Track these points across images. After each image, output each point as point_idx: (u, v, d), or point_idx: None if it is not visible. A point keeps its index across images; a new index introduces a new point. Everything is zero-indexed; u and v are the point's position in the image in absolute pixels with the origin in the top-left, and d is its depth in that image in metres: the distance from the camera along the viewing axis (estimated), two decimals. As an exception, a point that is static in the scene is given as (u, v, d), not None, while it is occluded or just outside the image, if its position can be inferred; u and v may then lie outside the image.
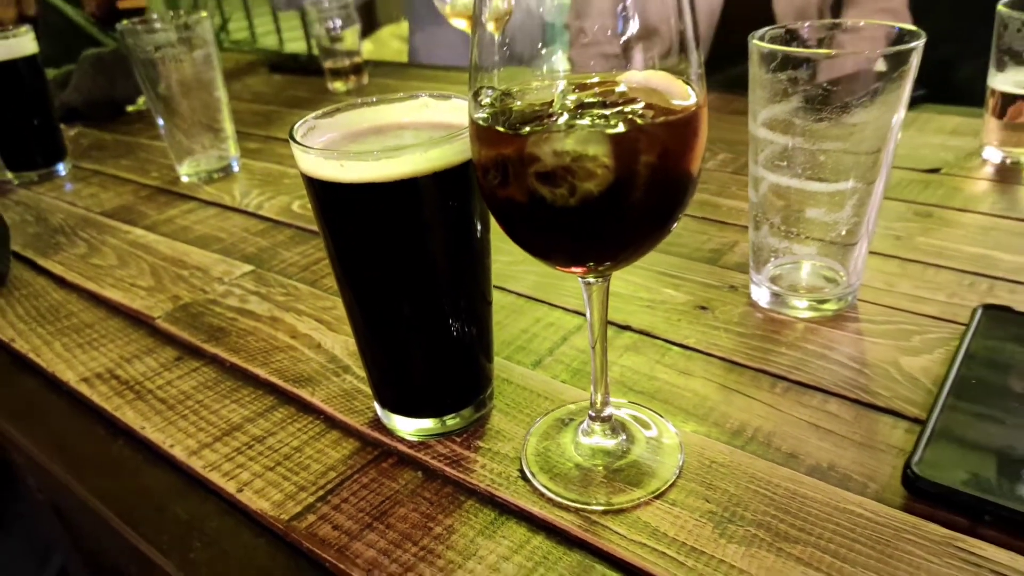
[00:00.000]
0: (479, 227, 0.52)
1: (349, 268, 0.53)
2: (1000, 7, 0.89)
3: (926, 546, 0.45)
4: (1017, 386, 0.55)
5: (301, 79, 1.75)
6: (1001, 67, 0.91)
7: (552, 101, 0.41)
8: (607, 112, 0.40)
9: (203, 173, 1.19)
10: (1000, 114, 0.93)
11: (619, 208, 0.40)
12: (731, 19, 1.50)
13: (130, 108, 1.60)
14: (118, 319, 0.80)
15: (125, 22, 1.13)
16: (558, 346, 0.68)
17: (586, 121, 0.39)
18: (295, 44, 3.83)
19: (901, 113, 0.60)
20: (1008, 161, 0.94)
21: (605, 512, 0.50)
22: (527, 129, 0.39)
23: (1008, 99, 0.91)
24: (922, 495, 0.48)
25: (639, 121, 0.38)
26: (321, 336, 0.73)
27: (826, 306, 0.68)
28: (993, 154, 0.95)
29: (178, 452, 0.59)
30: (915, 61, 0.58)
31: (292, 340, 0.73)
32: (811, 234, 0.66)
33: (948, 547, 0.45)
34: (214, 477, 0.56)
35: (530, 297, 0.76)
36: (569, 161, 0.38)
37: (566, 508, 0.51)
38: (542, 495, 0.52)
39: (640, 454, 0.54)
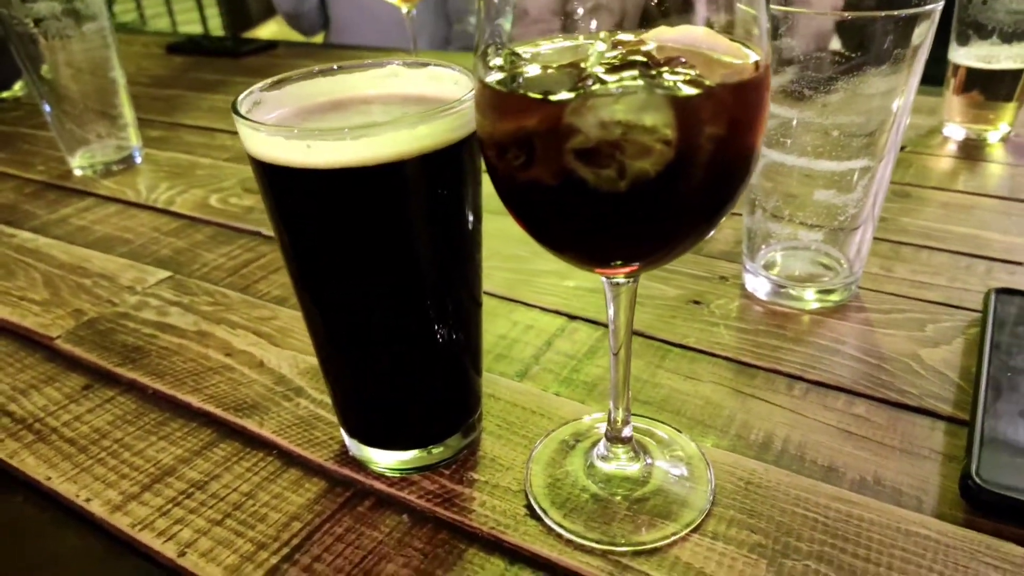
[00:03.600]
0: (471, 218, 0.43)
1: (313, 272, 0.43)
2: (963, -22, 0.86)
3: (1009, 570, 0.40)
4: (1054, 377, 0.51)
5: (205, 60, 1.59)
6: (964, 41, 0.88)
7: (579, 61, 0.33)
8: (653, 73, 0.32)
9: (99, 165, 1.04)
10: (963, 90, 0.90)
11: (677, 193, 0.32)
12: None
13: (5, 94, 1.41)
14: (6, 341, 0.66)
15: (-4, -10, 0.97)
16: (543, 352, 0.60)
17: (641, 83, 0.31)
18: (189, 27, 3.58)
19: (914, 85, 0.55)
20: (971, 137, 0.92)
21: (636, 553, 0.42)
22: (563, 94, 0.31)
23: (972, 74, 0.88)
24: (986, 508, 0.43)
25: (708, 83, 0.31)
26: (263, 352, 0.62)
27: (832, 297, 0.62)
28: (955, 131, 0.93)
29: (97, 508, 0.48)
30: (932, 26, 0.53)
31: (227, 359, 0.62)
32: (813, 219, 0.60)
33: (1027, 568, 0.40)
34: (147, 538, 0.46)
35: (504, 297, 0.67)
36: (620, 134, 0.30)
37: (589, 551, 0.43)
38: (559, 536, 0.44)
39: (664, 479, 0.47)
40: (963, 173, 0.85)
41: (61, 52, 0.98)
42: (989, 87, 0.88)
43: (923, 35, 0.52)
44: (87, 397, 0.58)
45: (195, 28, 3.54)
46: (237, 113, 0.39)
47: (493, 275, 0.70)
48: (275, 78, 0.44)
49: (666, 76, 0.31)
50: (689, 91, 0.30)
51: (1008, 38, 0.85)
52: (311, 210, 0.40)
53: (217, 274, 0.75)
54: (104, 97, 1.02)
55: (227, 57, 1.59)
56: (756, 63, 0.33)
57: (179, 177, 1.00)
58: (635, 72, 0.32)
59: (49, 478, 0.51)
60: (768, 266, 0.64)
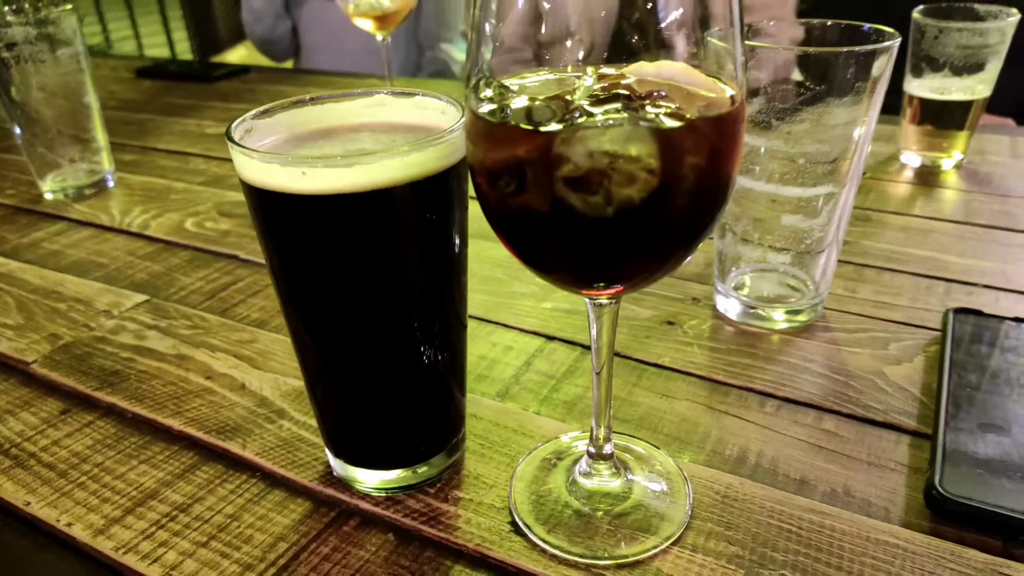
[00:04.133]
0: (458, 242, 0.45)
1: (303, 295, 0.44)
2: (915, 14, 0.91)
3: (972, 575, 0.42)
4: (1008, 392, 0.54)
5: (176, 84, 1.59)
6: (918, 73, 0.93)
7: (566, 93, 0.35)
8: (636, 106, 0.34)
9: (71, 189, 1.03)
10: (919, 120, 0.94)
11: (660, 218, 0.34)
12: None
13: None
14: (-20, 366, 0.66)
15: (-33, 15, 0.96)
16: (522, 372, 0.61)
17: (626, 115, 0.32)
18: (156, 50, 3.56)
19: (874, 116, 0.58)
20: (926, 164, 0.96)
21: (619, 567, 0.44)
22: (553, 125, 0.33)
23: (926, 105, 0.93)
24: (950, 517, 0.45)
25: (689, 116, 0.32)
26: (243, 375, 0.62)
27: (800, 317, 0.65)
28: (912, 158, 0.97)
29: (79, 532, 0.48)
30: (890, 60, 0.56)
31: (208, 382, 0.62)
32: (781, 242, 0.63)
33: (993, 575, 0.42)
34: (131, 561, 0.46)
35: (483, 319, 0.68)
36: (607, 163, 0.32)
37: (573, 565, 0.44)
38: (543, 551, 0.45)
39: (644, 494, 0.48)
40: (920, 198, 0.89)
41: (34, 76, 0.98)
42: (942, 117, 0.93)
43: (882, 68, 0.55)
44: (65, 422, 0.58)
45: (162, 52, 3.52)
46: (232, 140, 0.40)
47: (472, 297, 0.71)
48: (265, 106, 0.45)
49: (648, 109, 0.33)
50: (671, 123, 0.32)
51: (959, 71, 0.89)
52: (303, 234, 0.41)
53: (195, 298, 0.75)
54: (77, 121, 1.02)
55: (198, 81, 1.59)
56: (732, 97, 0.35)
57: (153, 201, 1.00)
58: (618, 105, 0.34)
59: (28, 503, 0.50)
60: (738, 287, 0.67)
